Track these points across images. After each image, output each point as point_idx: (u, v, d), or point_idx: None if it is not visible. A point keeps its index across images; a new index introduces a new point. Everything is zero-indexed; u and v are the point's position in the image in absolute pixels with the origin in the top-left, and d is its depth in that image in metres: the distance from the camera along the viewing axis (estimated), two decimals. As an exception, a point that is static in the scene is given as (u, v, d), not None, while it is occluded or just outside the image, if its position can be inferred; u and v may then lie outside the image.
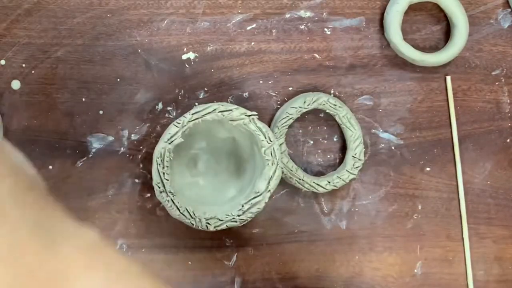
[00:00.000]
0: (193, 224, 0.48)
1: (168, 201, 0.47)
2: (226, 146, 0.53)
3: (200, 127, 0.49)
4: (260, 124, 0.48)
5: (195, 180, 0.53)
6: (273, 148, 0.48)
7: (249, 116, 0.48)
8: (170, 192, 0.47)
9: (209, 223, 0.48)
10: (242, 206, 0.48)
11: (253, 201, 0.48)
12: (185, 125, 0.48)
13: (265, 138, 0.48)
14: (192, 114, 0.48)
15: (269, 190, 0.48)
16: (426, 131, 0.58)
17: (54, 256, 0.29)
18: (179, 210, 0.47)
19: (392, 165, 0.57)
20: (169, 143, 0.48)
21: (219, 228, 0.48)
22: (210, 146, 0.53)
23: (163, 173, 0.47)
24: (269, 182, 0.48)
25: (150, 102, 0.56)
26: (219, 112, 0.48)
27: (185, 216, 0.47)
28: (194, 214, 0.47)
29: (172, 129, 0.48)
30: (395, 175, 0.57)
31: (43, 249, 0.29)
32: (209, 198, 0.52)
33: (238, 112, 0.48)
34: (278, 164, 0.48)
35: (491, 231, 0.58)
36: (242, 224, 0.48)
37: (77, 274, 0.29)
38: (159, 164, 0.47)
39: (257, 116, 0.49)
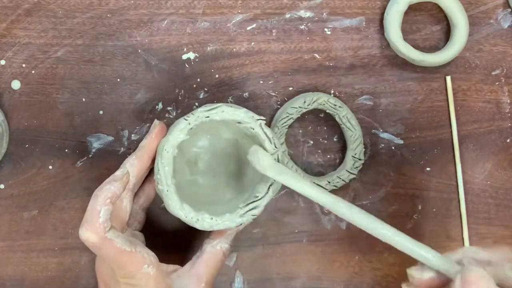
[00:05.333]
0: (189, 222, 0.48)
1: (166, 195, 0.47)
2: (228, 148, 0.53)
3: (205, 126, 0.49)
4: (267, 130, 0.48)
5: (194, 178, 0.53)
6: (277, 155, 0.48)
7: (257, 120, 0.48)
8: (169, 187, 0.47)
9: (204, 222, 0.48)
10: (240, 209, 0.48)
11: (251, 205, 0.48)
12: (193, 122, 0.48)
13: (271, 144, 0.48)
14: (202, 112, 0.48)
15: (268, 196, 0.48)
16: (426, 131, 0.58)
17: None
18: (177, 206, 0.47)
19: (392, 165, 0.57)
20: (175, 139, 0.48)
21: (215, 228, 0.48)
22: (213, 146, 0.53)
23: (165, 167, 0.47)
24: (269, 188, 0.48)
25: (150, 102, 0.56)
26: (227, 113, 0.48)
27: (182, 213, 0.47)
28: (191, 211, 0.47)
29: (181, 124, 0.48)
30: (395, 175, 0.57)
31: None
32: (207, 197, 0.52)
33: (246, 115, 0.48)
34: None
35: (491, 231, 0.58)
36: (237, 226, 0.48)
37: None
38: (163, 158, 0.47)
39: (265, 122, 0.49)
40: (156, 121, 0.50)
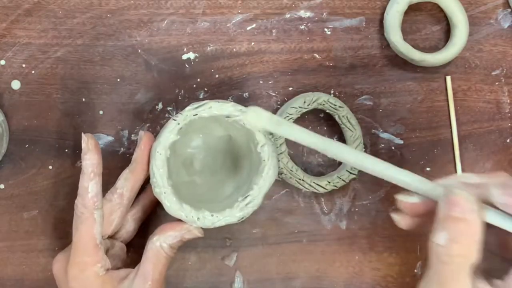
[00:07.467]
0: (190, 221, 0.48)
1: (164, 197, 0.47)
2: (222, 144, 0.53)
3: (196, 125, 0.49)
4: None
5: (192, 179, 0.53)
6: (269, 144, 0.48)
7: (245, 112, 0.48)
8: (166, 189, 0.47)
9: (206, 220, 0.48)
10: (239, 202, 0.48)
11: (249, 198, 0.48)
12: (182, 121, 0.48)
13: (261, 134, 0.48)
14: (189, 110, 0.48)
15: (265, 186, 0.48)
16: (426, 131, 0.58)
17: None
18: (176, 207, 0.47)
19: (392, 165, 0.57)
20: (166, 140, 0.48)
21: (216, 225, 0.48)
22: (207, 144, 0.53)
23: (160, 170, 0.47)
24: (264, 178, 0.48)
25: (150, 102, 0.56)
26: (215, 108, 0.48)
27: (182, 213, 0.47)
28: (191, 210, 0.47)
29: (170, 125, 0.48)
30: (395, 175, 0.57)
31: None
32: (206, 196, 0.52)
33: (234, 108, 0.48)
34: (274, 160, 0.48)
35: (491, 231, 0.58)
36: (240, 221, 0.48)
37: None
38: (156, 160, 0.47)
39: None
40: (141, 132, 0.50)
